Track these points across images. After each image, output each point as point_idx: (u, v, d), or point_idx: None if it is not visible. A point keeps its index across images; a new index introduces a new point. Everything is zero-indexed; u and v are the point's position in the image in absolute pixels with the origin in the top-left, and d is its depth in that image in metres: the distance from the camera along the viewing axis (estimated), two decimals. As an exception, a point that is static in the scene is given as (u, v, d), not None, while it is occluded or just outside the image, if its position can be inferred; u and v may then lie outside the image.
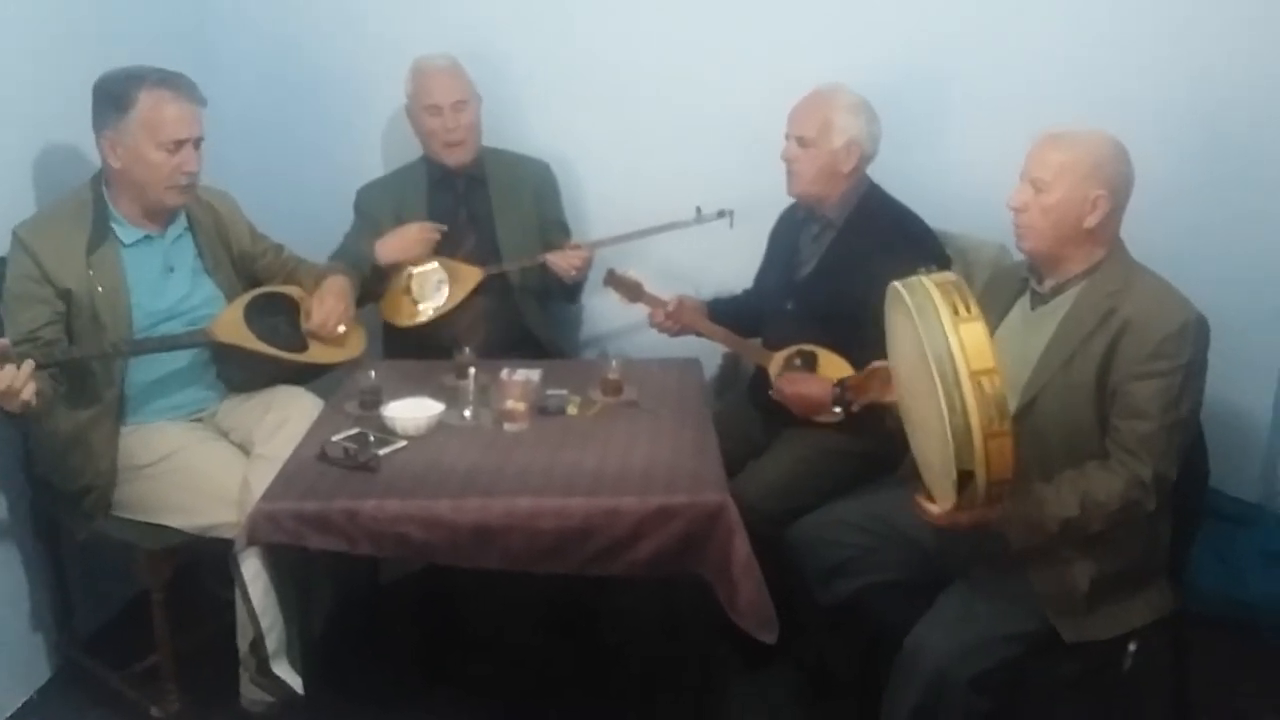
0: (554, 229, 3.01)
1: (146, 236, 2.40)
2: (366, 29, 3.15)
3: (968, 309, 1.75)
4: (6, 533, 2.47)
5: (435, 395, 2.38)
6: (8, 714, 2.47)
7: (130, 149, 2.27)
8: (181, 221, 2.48)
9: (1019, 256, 2.19)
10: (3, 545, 2.47)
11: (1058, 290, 2.07)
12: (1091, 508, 1.89)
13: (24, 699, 2.53)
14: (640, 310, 2.85)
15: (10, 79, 2.39)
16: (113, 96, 2.27)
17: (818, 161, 2.59)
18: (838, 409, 2.49)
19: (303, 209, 3.01)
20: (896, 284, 1.90)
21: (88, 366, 2.28)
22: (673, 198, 2.84)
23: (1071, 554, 1.97)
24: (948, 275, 1.85)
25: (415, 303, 2.87)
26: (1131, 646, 2.02)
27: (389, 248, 2.85)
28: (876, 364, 2.19)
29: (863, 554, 2.24)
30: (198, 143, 2.35)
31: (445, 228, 2.89)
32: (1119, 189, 2.00)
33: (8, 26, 2.40)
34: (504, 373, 2.48)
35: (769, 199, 2.76)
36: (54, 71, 2.46)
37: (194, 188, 2.41)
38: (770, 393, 2.59)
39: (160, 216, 2.42)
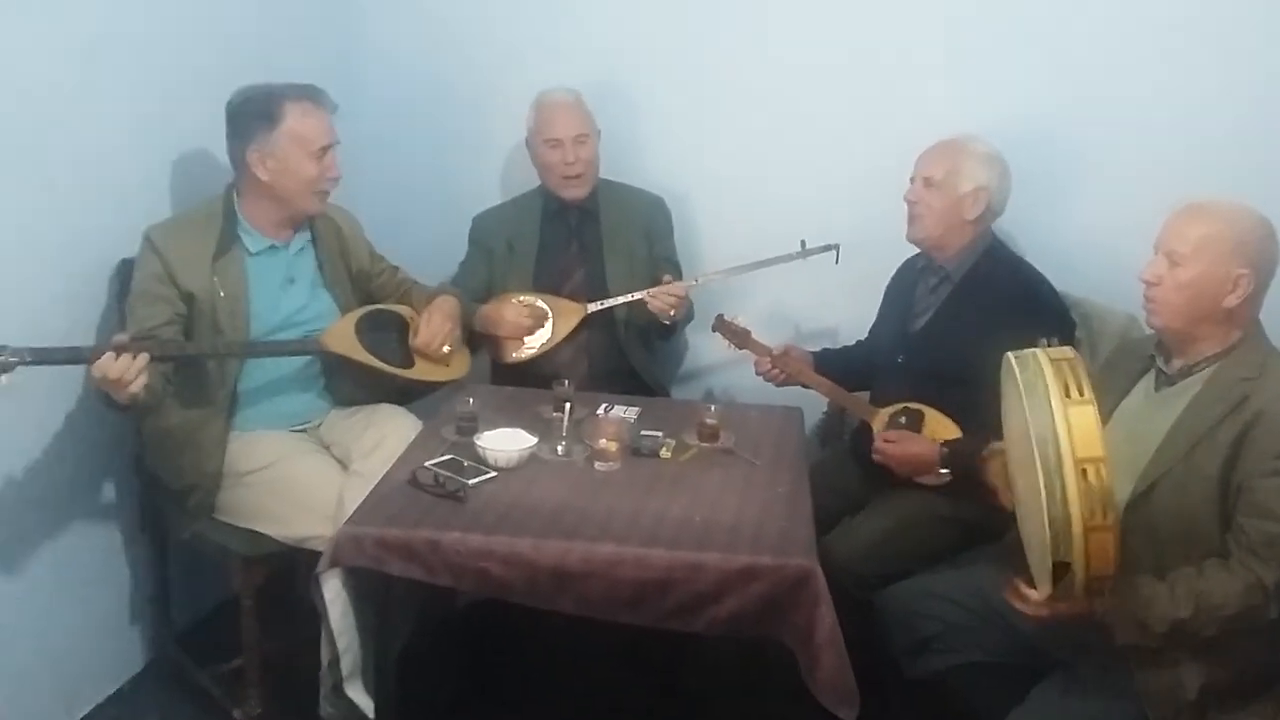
0: (665, 266, 2.98)
1: (271, 246, 2.47)
2: (496, 60, 3.19)
3: (1080, 391, 1.67)
4: (114, 523, 2.56)
5: (531, 426, 2.38)
6: (97, 702, 2.55)
7: (281, 160, 2.36)
8: (305, 235, 2.55)
9: (1149, 330, 2.08)
10: (109, 535, 2.56)
11: (1186, 372, 1.95)
12: (1206, 610, 1.77)
13: (115, 688, 2.61)
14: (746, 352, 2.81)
15: (155, 92, 2.50)
16: (259, 112, 2.36)
17: (941, 205, 2.53)
18: (944, 470, 2.41)
19: (422, 233, 3.08)
20: (1010, 355, 1.83)
21: (203, 367, 2.35)
22: (787, 236, 2.80)
23: (1181, 656, 1.85)
24: (1065, 351, 1.77)
25: (519, 339, 2.88)
26: (1240, 762, 1.88)
27: (489, 321, 2.87)
28: (995, 445, 2.09)
29: (957, 630, 2.16)
30: (336, 147, 2.44)
31: (542, 316, 2.88)
32: (1263, 268, 1.89)
33: (160, 44, 2.51)
34: (600, 410, 2.47)
35: (880, 239, 2.70)
36: (202, 86, 2.53)
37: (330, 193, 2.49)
38: (873, 454, 2.51)
39: (294, 225, 2.51)
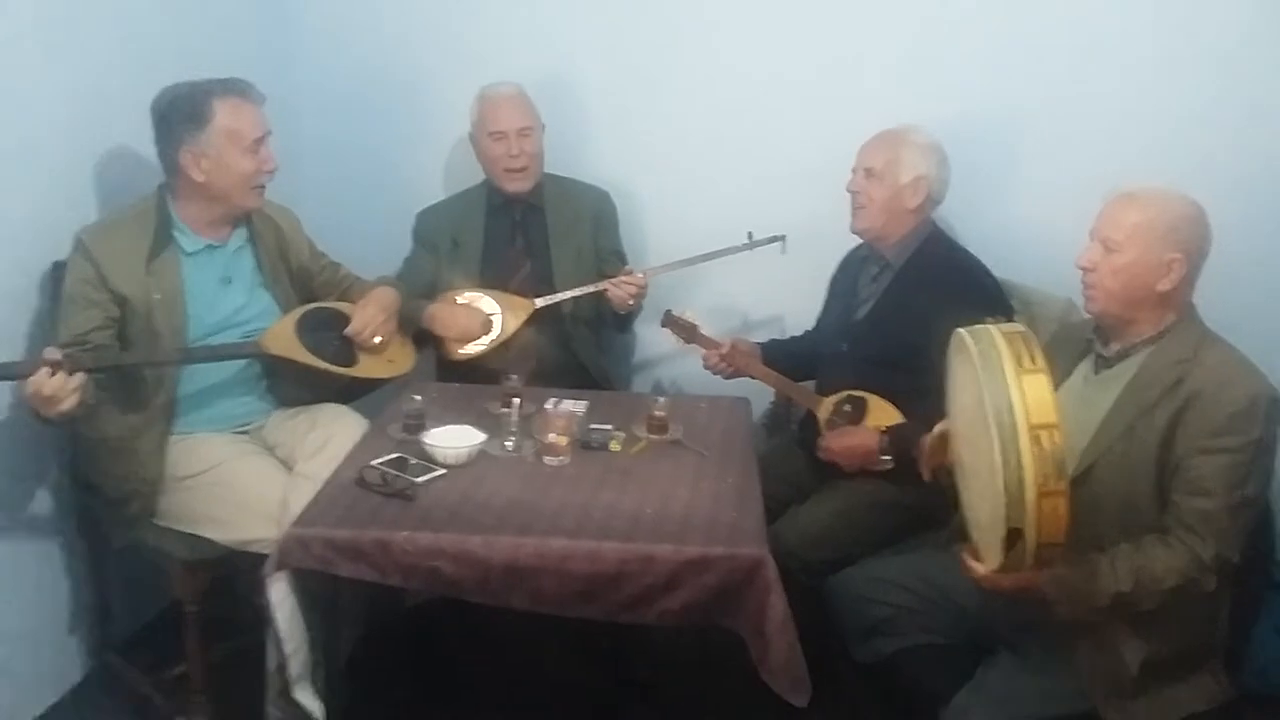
0: (610, 259, 2.99)
1: (209, 246, 2.42)
2: (437, 54, 3.16)
3: (1033, 360, 1.70)
4: (50, 533, 2.50)
5: (479, 422, 2.36)
6: (36, 714, 2.49)
7: (215, 159, 2.31)
8: (243, 233, 2.50)
9: (1087, 315, 2.12)
10: (45, 545, 2.49)
11: (1123, 354, 1.99)
12: (1146, 584, 1.81)
13: (55, 699, 2.55)
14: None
15: (83, 89, 2.43)
16: (188, 113, 2.30)
17: (883, 195, 2.56)
18: (886, 457, 2.44)
19: (365, 230, 3.03)
20: (962, 330, 1.85)
21: (139, 373, 2.30)
22: (733, 229, 2.81)
23: (1121, 633, 1.89)
24: (1015, 325, 1.81)
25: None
26: (1179, 735, 1.92)
27: (438, 322, 2.83)
28: (939, 427, 2.11)
29: (904, 614, 2.18)
30: (270, 138, 2.40)
31: (491, 317, 2.85)
32: (1195, 252, 1.92)
33: (87, 39, 2.44)
34: (549, 404, 2.46)
35: (826, 232, 2.73)
36: (131, 83, 2.46)
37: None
38: (818, 453, 2.54)
39: (231, 223, 2.46)
